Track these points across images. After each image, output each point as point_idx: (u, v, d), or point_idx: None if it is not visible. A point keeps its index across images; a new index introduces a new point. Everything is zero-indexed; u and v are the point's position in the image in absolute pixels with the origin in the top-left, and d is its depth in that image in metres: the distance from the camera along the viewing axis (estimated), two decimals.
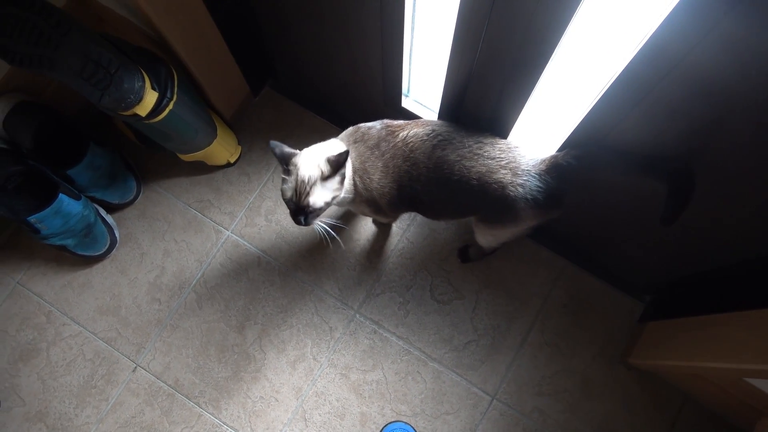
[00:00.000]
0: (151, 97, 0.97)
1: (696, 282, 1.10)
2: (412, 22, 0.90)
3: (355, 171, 0.96)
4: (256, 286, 1.31)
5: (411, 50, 0.99)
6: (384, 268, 1.31)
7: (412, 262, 1.31)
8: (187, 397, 1.25)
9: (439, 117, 1.11)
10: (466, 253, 1.28)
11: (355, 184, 0.97)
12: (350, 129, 1.00)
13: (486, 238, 1.09)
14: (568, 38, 0.71)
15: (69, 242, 1.25)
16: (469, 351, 1.27)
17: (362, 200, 1.01)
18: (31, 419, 1.25)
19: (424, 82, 1.10)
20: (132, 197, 1.33)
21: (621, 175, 0.86)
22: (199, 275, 1.32)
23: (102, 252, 1.29)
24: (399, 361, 1.26)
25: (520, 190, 0.89)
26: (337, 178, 0.92)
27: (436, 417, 1.23)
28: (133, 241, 1.34)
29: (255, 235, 1.34)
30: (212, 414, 1.24)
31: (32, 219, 1.16)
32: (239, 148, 1.34)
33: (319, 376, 1.26)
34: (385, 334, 1.28)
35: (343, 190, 0.94)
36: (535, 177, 0.89)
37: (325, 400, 1.25)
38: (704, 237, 0.96)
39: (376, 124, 0.98)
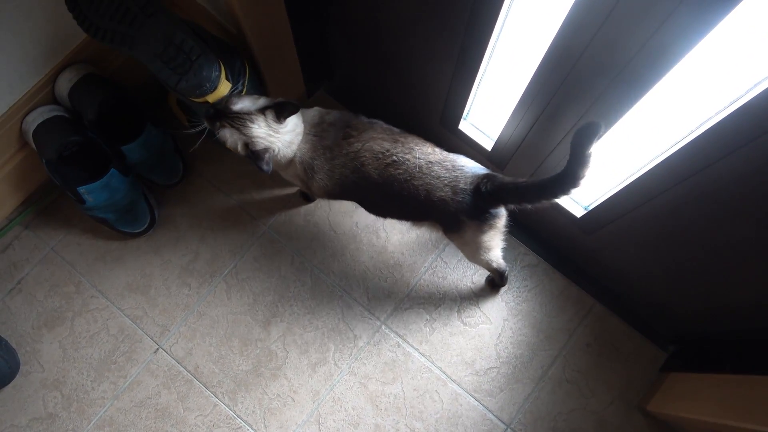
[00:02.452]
0: (224, 88, 0.98)
1: (727, 339, 1.11)
2: (492, 50, 0.92)
3: (301, 160, 1.01)
4: (287, 284, 1.32)
5: (482, 76, 1.00)
6: (415, 283, 1.32)
7: (443, 282, 1.32)
8: (205, 385, 1.26)
9: (494, 148, 1.12)
10: (493, 281, 1.29)
11: (294, 165, 1.02)
12: (316, 115, 1.03)
13: (459, 249, 1.14)
14: (657, 88, 0.72)
15: (110, 216, 1.26)
16: (490, 377, 1.27)
17: (295, 175, 1.06)
18: (48, 386, 1.25)
19: (486, 107, 1.12)
20: (177, 180, 1.34)
21: (535, 204, 0.90)
22: (232, 266, 1.33)
23: (140, 230, 1.30)
24: (419, 377, 1.27)
25: (460, 206, 0.94)
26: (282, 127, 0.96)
27: None
28: (171, 223, 1.35)
29: (292, 233, 1.34)
30: (227, 405, 1.25)
31: (81, 189, 1.17)
32: None
33: (338, 382, 1.26)
34: (408, 349, 1.28)
35: (282, 149, 0.98)
36: (470, 195, 0.94)
37: (341, 406, 1.25)
38: (740, 296, 0.97)
39: (338, 121, 1.02)
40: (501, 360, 1.28)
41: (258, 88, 1.11)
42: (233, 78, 1.01)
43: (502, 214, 0.98)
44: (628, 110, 0.78)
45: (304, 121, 1.02)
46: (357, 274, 1.32)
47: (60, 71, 1.13)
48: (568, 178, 0.82)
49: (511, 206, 0.96)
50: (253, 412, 1.25)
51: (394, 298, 1.31)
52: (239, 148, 0.96)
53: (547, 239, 1.33)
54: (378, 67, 1.19)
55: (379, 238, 1.35)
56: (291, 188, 1.37)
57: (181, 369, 1.26)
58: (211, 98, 0.98)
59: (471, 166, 0.97)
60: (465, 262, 1.33)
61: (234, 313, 1.30)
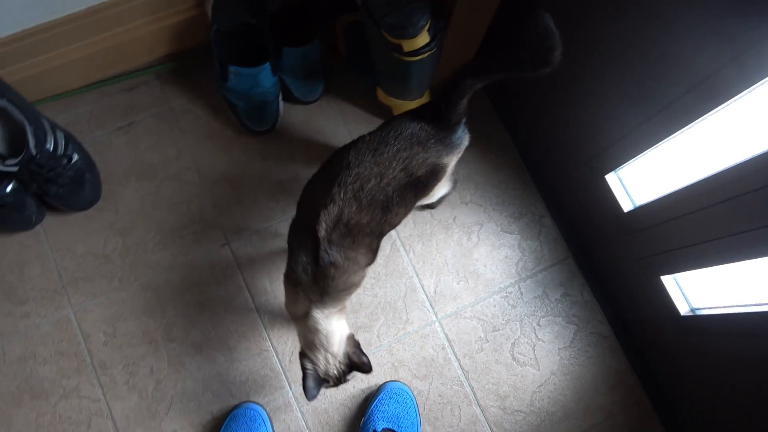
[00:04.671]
0: (422, 40, 0.97)
1: None
2: (696, 124, 0.88)
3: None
4: None
5: (667, 141, 0.96)
6: (485, 298, 1.30)
7: (512, 310, 1.30)
8: (252, 296, 1.26)
9: (631, 213, 1.08)
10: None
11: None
12: None
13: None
14: None
15: (241, 105, 1.26)
16: (515, 419, 1.25)
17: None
18: (115, 230, 1.27)
19: (645, 171, 1.08)
20: (312, 100, 1.34)
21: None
22: None
23: (259, 130, 1.30)
24: (448, 387, 1.25)
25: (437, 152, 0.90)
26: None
27: None
28: (286, 137, 1.34)
29: None
30: (264, 324, 1.25)
31: (232, 68, 1.17)
32: None
33: (374, 354, 1.25)
34: (450, 356, 1.26)
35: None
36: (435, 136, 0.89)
37: (366, 376, 1.24)
38: None
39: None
40: (532, 408, 1.25)
41: (440, 51, 1.09)
42: (432, 34, 0.99)
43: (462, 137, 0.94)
44: None
45: None
46: (435, 264, 1.30)
47: None
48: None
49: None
50: (285, 342, 1.25)
51: (459, 302, 1.29)
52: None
53: (631, 322, 1.28)
54: (555, 81, 1.15)
55: (470, 240, 1.32)
56: None
57: (238, 272, 1.27)
58: (406, 44, 0.96)
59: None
60: (541, 299, 1.30)
61: None
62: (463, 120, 0.91)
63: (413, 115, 0.90)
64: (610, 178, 1.13)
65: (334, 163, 0.89)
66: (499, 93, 1.37)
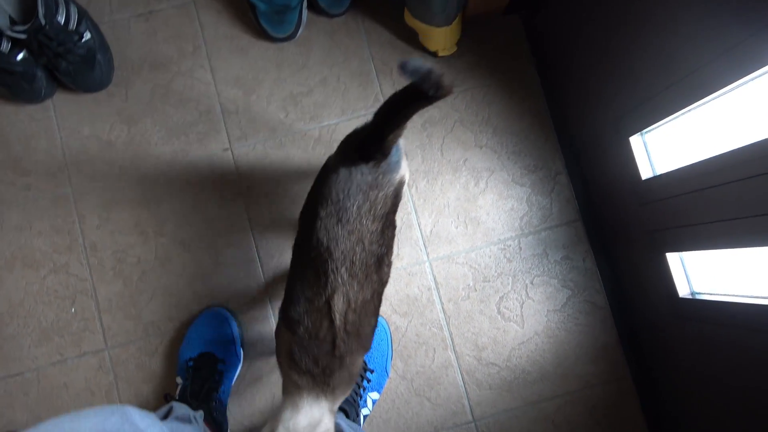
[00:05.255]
0: None
1: None
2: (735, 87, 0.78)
3: None
4: None
5: (700, 105, 0.87)
6: (480, 247, 1.25)
7: (507, 264, 1.25)
8: (246, 206, 1.24)
9: (649, 180, 1.00)
10: None
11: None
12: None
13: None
14: None
15: (261, 6, 1.21)
16: (488, 371, 1.22)
17: None
18: (122, 117, 1.26)
19: (668, 137, 0.99)
20: (337, 13, 1.27)
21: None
22: (334, 122, 1.27)
23: (277, 36, 1.25)
24: (427, 328, 1.23)
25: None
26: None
27: (418, 394, 1.21)
28: (305, 48, 1.29)
29: (406, 130, 1.26)
30: (254, 237, 1.24)
31: None
32: (455, 49, 1.25)
33: None
34: (434, 298, 1.24)
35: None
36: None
37: None
38: None
39: None
40: (508, 364, 1.23)
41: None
42: None
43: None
44: None
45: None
46: (436, 204, 1.25)
47: None
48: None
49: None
50: (272, 256, 1.24)
51: (453, 246, 1.25)
52: None
53: (629, 297, 1.22)
54: (598, 24, 1.05)
55: (477, 186, 1.26)
56: None
57: (236, 179, 1.25)
58: None
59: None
60: (539, 258, 1.24)
61: (309, 165, 1.26)
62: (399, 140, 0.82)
63: (347, 162, 0.81)
64: (635, 141, 1.04)
65: (314, 255, 0.81)
66: (537, 32, 1.27)
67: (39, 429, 0.61)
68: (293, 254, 0.88)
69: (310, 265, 0.81)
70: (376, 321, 0.88)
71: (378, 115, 0.76)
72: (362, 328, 0.83)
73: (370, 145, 0.79)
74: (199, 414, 1.02)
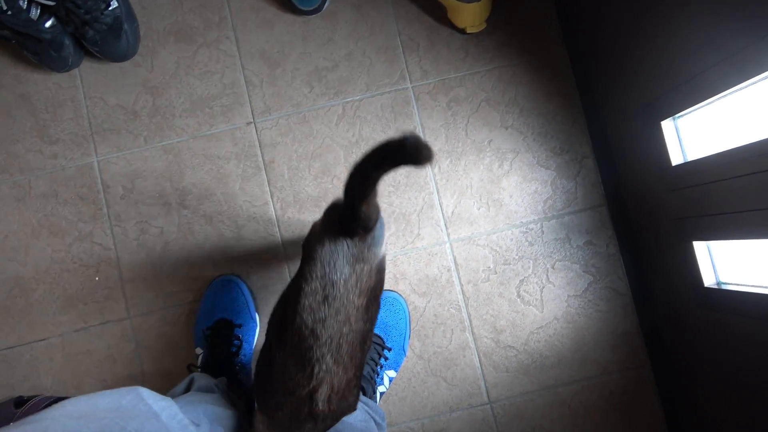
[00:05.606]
0: None
1: None
2: None
3: None
4: None
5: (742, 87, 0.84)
6: (502, 230, 1.23)
7: (528, 247, 1.23)
8: (269, 181, 1.24)
9: (679, 167, 0.97)
10: None
11: None
12: None
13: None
14: None
15: None
16: (506, 354, 1.22)
17: None
18: (147, 88, 1.26)
19: (702, 122, 0.96)
20: None
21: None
22: (358, 98, 1.26)
23: (304, 9, 1.23)
24: (446, 309, 1.22)
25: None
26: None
27: (424, 338, 1.22)
28: (331, 22, 1.27)
29: (427, 106, 1.25)
30: (275, 211, 1.24)
31: None
32: (484, 25, 1.22)
33: None
34: (454, 280, 1.23)
35: None
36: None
37: None
38: None
39: None
40: (526, 348, 1.22)
41: None
42: None
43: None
44: None
45: None
46: (458, 185, 1.24)
47: None
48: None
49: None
50: (293, 232, 1.24)
51: (475, 228, 1.23)
52: None
53: (652, 285, 1.20)
54: (633, 8, 1.01)
55: (501, 167, 1.25)
56: (456, 67, 1.26)
57: (259, 153, 1.25)
58: None
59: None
60: (561, 242, 1.23)
61: (332, 140, 1.25)
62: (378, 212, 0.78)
63: (331, 234, 0.77)
64: (666, 126, 1.01)
65: (297, 341, 0.76)
66: (569, 10, 1.24)
67: (57, 408, 0.63)
68: (268, 331, 0.82)
69: (292, 351, 0.76)
70: (359, 391, 0.84)
71: (347, 188, 0.71)
72: (344, 402, 0.80)
73: (349, 221, 0.74)
74: (222, 381, 1.03)
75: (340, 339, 0.75)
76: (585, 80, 1.24)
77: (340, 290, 0.75)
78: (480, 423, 1.22)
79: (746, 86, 0.80)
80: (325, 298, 0.75)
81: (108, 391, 0.72)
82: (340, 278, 0.75)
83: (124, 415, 0.67)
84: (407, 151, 0.60)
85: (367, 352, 0.83)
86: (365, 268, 0.78)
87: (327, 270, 0.75)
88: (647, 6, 0.95)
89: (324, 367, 0.75)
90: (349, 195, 0.71)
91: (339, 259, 0.76)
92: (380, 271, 0.82)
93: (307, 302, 0.75)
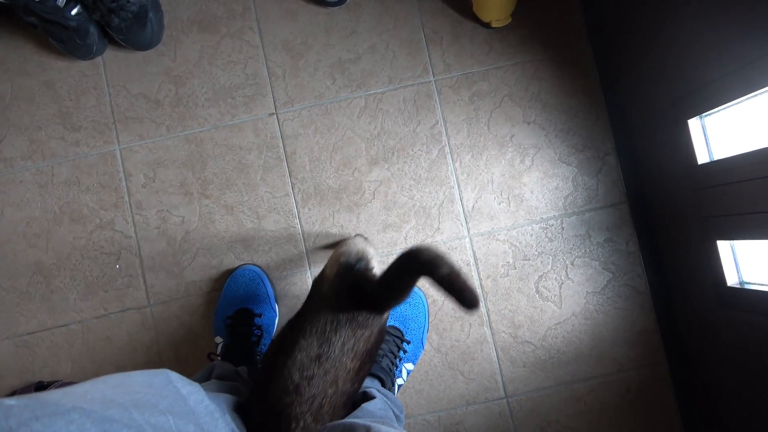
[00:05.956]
0: None
1: None
2: None
3: None
4: (414, 142, 1.25)
5: None
6: (522, 225, 1.24)
7: (548, 243, 1.24)
8: (290, 172, 1.25)
9: (705, 166, 0.97)
10: None
11: None
12: None
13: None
14: None
15: None
16: (523, 349, 1.22)
17: None
18: (170, 77, 1.26)
19: (728, 122, 0.95)
20: None
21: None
22: (380, 91, 1.26)
23: (328, 1, 1.23)
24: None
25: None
26: None
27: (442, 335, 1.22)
28: (355, 14, 1.27)
29: (450, 99, 1.25)
30: (296, 202, 1.24)
31: None
32: (509, 20, 1.22)
33: (397, 253, 1.23)
34: (473, 274, 1.23)
35: None
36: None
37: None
38: None
39: None
40: (543, 343, 1.22)
41: None
42: None
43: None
44: None
45: None
46: (479, 180, 1.24)
47: None
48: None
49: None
50: (313, 224, 1.24)
51: (495, 223, 1.24)
52: None
53: (672, 283, 1.20)
54: (661, 4, 1.01)
55: (523, 162, 1.24)
56: (480, 62, 1.26)
57: (281, 144, 1.25)
58: None
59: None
60: (581, 239, 1.23)
61: (353, 132, 1.25)
62: None
63: (340, 300, 0.76)
64: (693, 124, 1.01)
65: (279, 386, 0.74)
66: (595, 6, 1.23)
67: (87, 383, 0.63)
68: (262, 365, 0.81)
69: (273, 403, 0.73)
70: None
71: (390, 274, 0.70)
72: None
73: (375, 299, 0.74)
74: (243, 369, 1.04)
75: (323, 399, 0.73)
76: (609, 77, 1.24)
77: (335, 351, 0.74)
78: (496, 417, 1.22)
79: None
80: (318, 356, 0.73)
81: (139, 371, 0.73)
82: (338, 340, 0.74)
83: (156, 393, 0.67)
84: (459, 295, 0.65)
85: (349, 413, 0.80)
86: (366, 333, 0.76)
87: (327, 328, 0.74)
88: (675, 3, 0.95)
89: (302, 424, 0.72)
90: (391, 282, 0.71)
91: (342, 323, 0.75)
92: (381, 332, 0.81)
93: (299, 356, 0.73)
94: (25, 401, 0.49)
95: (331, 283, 0.80)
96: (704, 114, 0.99)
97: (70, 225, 1.25)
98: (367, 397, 0.98)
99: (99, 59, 1.26)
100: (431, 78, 1.25)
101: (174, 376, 0.75)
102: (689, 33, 0.94)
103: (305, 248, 1.24)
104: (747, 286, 0.99)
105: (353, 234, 1.24)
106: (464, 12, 1.25)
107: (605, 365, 1.22)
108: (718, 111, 0.96)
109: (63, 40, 1.17)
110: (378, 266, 0.84)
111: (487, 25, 1.23)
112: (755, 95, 0.85)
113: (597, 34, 1.24)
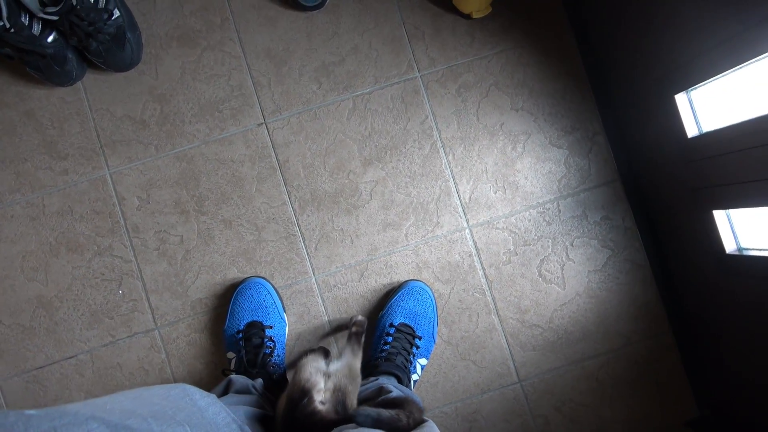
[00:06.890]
0: None
1: None
2: None
3: None
4: (405, 139, 1.26)
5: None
6: (519, 211, 1.25)
7: (546, 226, 1.25)
8: (285, 180, 1.24)
9: (695, 139, 0.99)
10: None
11: None
12: None
13: None
14: None
15: None
16: (532, 333, 1.25)
17: None
18: (154, 96, 1.25)
19: (715, 94, 0.97)
20: None
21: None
22: (367, 91, 1.26)
23: (307, 5, 1.22)
24: (470, 294, 1.25)
25: None
26: None
27: (457, 337, 1.24)
28: (335, 15, 1.26)
29: (437, 94, 1.26)
30: (294, 210, 1.24)
31: None
32: (489, 9, 1.23)
33: (399, 251, 1.24)
34: (476, 264, 1.25)
35: None
36: None
37: (389, 273, 1.24)
38: None
39: None
40: (551, 325, 1.25)
41: None
42: None
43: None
44: None
45: None
46: (474, 170, 1.25)
47: None
48: None
49: None
50: (312, 230, 1.24)
51: (493, 212, 1.25)
52: None
53: (671, 254, 1.23)
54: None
55: (514, 150, 1.26)
56: (463, 53, 1.26)
57: (273, 153, 1.24)
58: None
59: None
60: (578, 219, 1.25)
61: (345, 134, 1.25)
62: None
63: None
64: (680, 99, 1.03)
65: None
66: None
67: (106, 396, 0.64)
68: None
69: None
70: None
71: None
72: None
73: None
74: (258, 382, 1.04)
75: None
76: (592, 58, 1.25)
77: None
78: (512, 402, 1.24)
79: (762, 58, 0.82)
80: None
81: (157, 385, 0.74)
82: None
83: (173, 405, 0.68)
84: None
85: None
86: None
87: None
88: None
89: None
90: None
91: None
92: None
93: None
94: (45, 411, 0.50)
95: (280, 424, 0.85)
96: (690, 88, 1.01)
97: (67, 255, 1.23)
98: (384, 391, 1.00)
99: (79, 84, 1.24)
100: (417, 74, 1.26)
101: (191, 389, 0.76)
102: (669, 9, 0.96)
103: (307, 254, 1.24)
104: (745, 252, 1.02)
105: (354, 236, 1.24)
106: (444, 5, 1.25)
107: (612, 340, 1.25)
108: (705, 84, 0.97)
109: (41, 68, 1.15)
110: (325, 393, 0.86)
111: (467, 17, 1.23)
112: (740, 68, 0.87)
113: (576, 16, 1.25)
